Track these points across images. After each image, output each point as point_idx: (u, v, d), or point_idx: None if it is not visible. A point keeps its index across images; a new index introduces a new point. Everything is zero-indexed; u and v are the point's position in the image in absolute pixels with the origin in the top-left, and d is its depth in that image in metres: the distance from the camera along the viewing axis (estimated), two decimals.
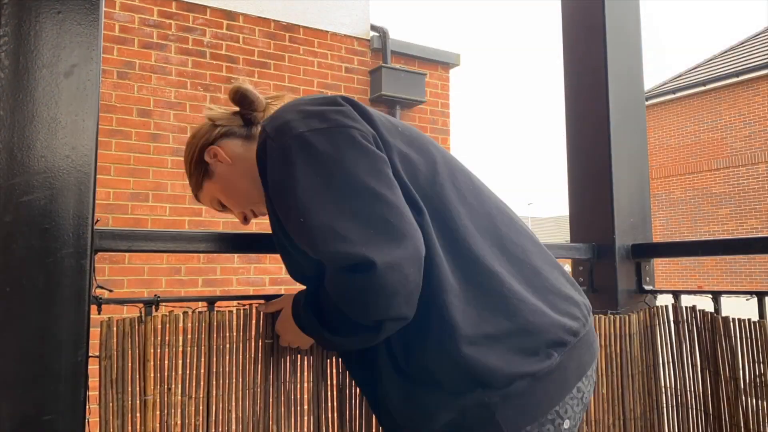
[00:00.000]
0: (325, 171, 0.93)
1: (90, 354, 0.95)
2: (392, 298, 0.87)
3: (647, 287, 1.66)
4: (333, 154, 0.93)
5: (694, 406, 1.47)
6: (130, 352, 1.04)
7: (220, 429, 1.11)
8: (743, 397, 1.33)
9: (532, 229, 1.18)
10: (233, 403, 1.13)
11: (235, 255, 4.60)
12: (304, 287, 1.08)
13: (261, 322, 1.17)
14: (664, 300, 1.63)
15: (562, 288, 1.06)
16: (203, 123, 1.22)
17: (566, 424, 0.98)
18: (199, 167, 1.18)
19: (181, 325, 1.09)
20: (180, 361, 1.09)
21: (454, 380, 0.94)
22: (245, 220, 1.23)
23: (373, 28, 5.49)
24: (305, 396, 1.20)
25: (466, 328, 0.92)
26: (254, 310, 1.17)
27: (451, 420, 0.96)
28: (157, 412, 1.06)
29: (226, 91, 5.51)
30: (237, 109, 1.19)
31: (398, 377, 0.99)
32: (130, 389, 1.04)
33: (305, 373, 1.21)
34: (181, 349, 1.10)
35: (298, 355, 1.20)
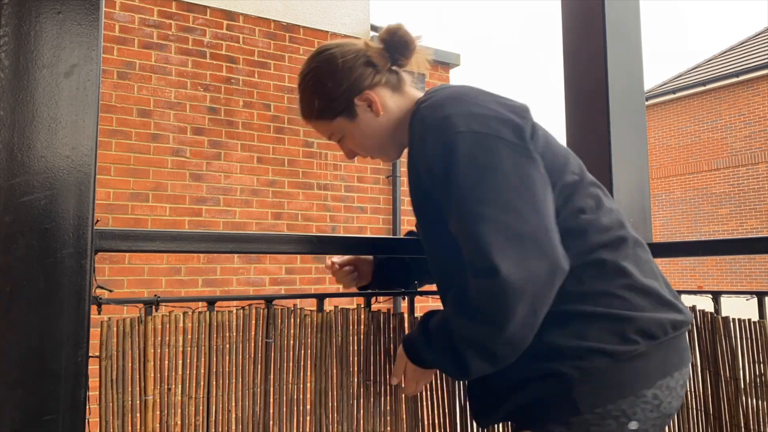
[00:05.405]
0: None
1: (90, 354, 0.95)
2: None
3: None
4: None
5: (694, 406, 1.47)
6: (130, 352, 1.04)
7: (220, 429, 1.11)
8: (743, 397, 1.33)
9: None
10: (233, 403, 1.13)
11: (235, 255, 4.60)
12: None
13: (261, 322, 1.17)
14: None
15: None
16: (353, 47, 1.12)
17: (632, 425, 0.96)
18: (340, 102, 1.11)
19: (181, 325, 1.09)
20: (180, 361, 1.09)
21: (531, 348, 0.94)
22: (352, 157, 1.21)
23: (373, 28, 5.50)
24: (307, 396, 1.20)
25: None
26: (254, 310, 1.17)
27: (529, 393, 0.97)
28: (157, 412, 1.06)
29: (226, 91, 5.49)
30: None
31: None
32: (130, 389, 1.04)
33: (307, 373, 1.21)
34: (181, 349, 1.10)
35: (300, 355, 1.20)
